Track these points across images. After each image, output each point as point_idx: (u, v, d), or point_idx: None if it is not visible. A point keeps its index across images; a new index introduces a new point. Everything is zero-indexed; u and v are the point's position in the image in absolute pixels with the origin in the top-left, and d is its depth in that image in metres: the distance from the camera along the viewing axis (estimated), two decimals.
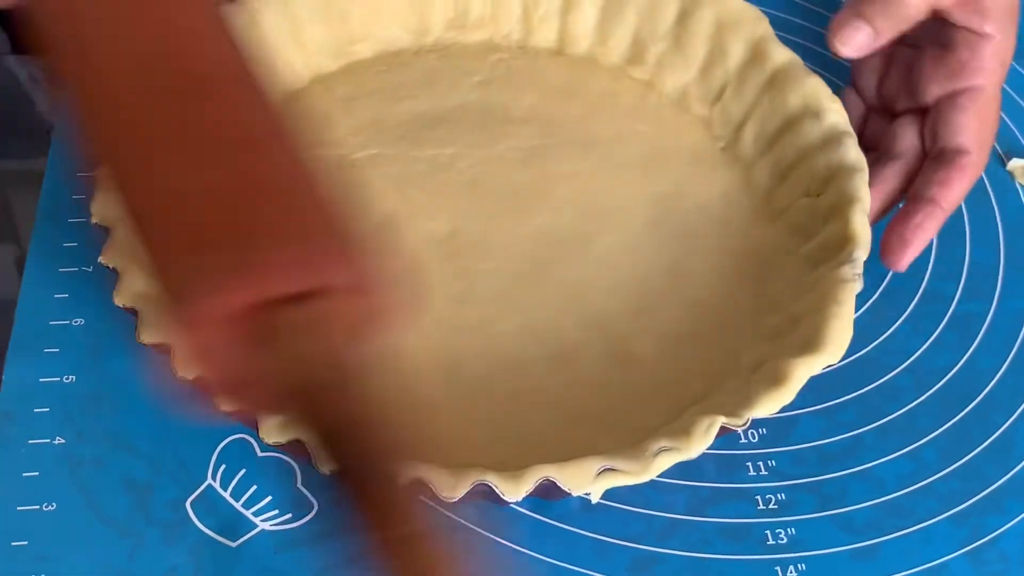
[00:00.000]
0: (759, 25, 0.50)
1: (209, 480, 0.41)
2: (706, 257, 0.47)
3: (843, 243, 0.43)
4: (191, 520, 0.40)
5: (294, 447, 0.37)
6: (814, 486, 0.42)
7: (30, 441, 0.41)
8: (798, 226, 0.47)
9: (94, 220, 0.42)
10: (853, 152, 0.46)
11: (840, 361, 0.45)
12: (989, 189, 0.52)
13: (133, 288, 0.40)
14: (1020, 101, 0.56)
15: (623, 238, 0.47)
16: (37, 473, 0.41)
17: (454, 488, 0.36)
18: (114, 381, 0.43)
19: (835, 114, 0.47)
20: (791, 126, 0.48)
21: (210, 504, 0.40)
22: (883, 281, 0.48)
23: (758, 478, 0.42)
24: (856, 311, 0.47)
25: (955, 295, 0.48)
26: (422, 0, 0.53)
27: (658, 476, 0.41)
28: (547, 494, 0.37)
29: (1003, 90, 0.55)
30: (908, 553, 0.41)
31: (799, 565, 0.40)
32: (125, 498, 0.40)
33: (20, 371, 0.43)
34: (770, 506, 0.42)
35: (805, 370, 0.39)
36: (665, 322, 0.45)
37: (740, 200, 0.49)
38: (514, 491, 0.36)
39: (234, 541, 0.40)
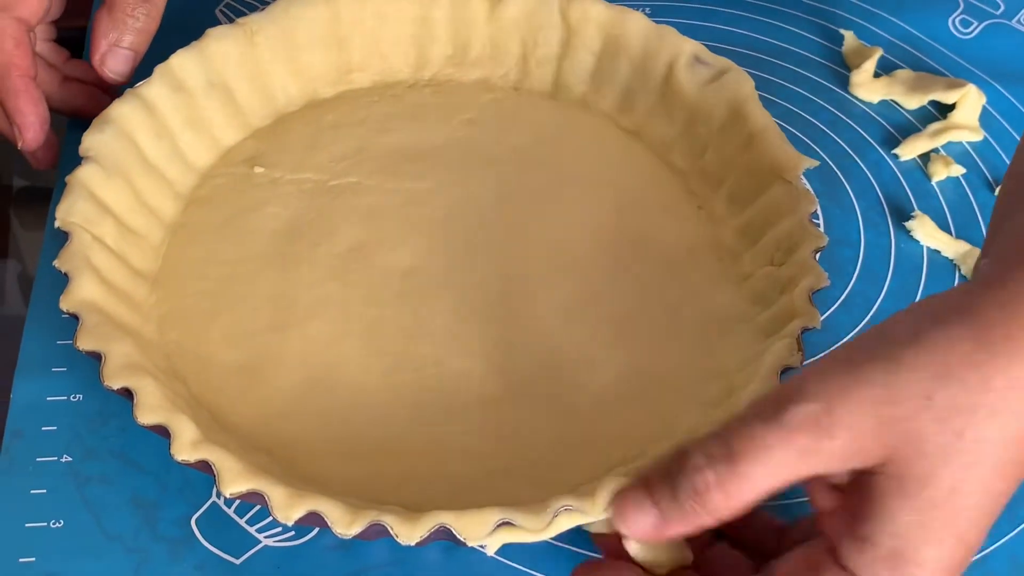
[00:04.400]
0: (744, 85, 0.50)
1: (214, 498, 0.42)
2: (664, 315, 0.46)
3: (790, 317, 0.43)
4: (196, 537, 0.41)
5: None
6: (804, 506, 0.43)
7: (38, 459, 0.42)
8: (759, 294, 0.46)
9: (56, 224, 0.43)
10: (817, 223, 0.45)
11: None
12: (978, 212, 0.53)
13: (79, 295, 0.41)
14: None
15: (584, 288, 0.47)
16: (45, 490, 0.41)
17: (350, 525, 0.36)
18: (121, 400, 0.43)
19: (805, 183, 0.47)
20: (762, 191, 0.48)
21: (215, 521, 0.41)
22: (874, 305, 0.49)
23: None
24: (847, 335, 0.48)
25: None
26: (423, 35, 0.54)
27: None
28: (450, 539, 0.37)
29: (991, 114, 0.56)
30: None
31: None
32: (131, 515, 0.41)
33: (28, 390, 0.44)
34: None
35: None
36: (610, 379, 0.44)
37: (707, 260, 0.48)
38: (409, 535, 0.36)
39: (238, 558, 0.40)
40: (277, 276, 0.47)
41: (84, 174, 0.45)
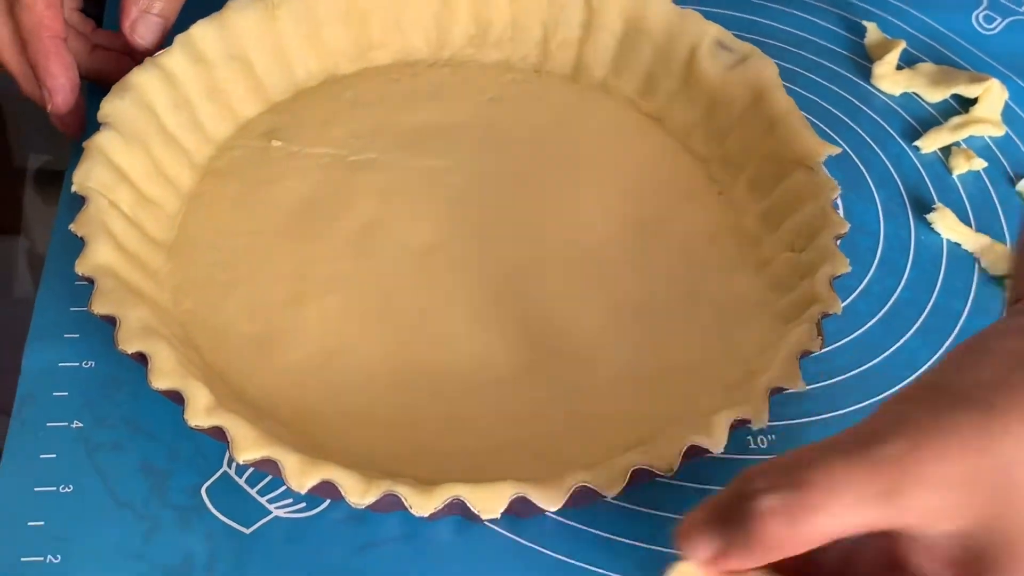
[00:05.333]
0: (766, 70, 0.49)
1: (225, 467, 0.41)
2: (682, 299, 0.46)
3: (810, 302, 0.42)
4: (206, 506, 0.40)
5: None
6: None
7: (48, 424, 0.42)
8: (779, 280, 0.46)
9: (74, 189, 0.43)
10: (837, 211, 0.45)
11: (849, 371, 0.46)
12: (998, 206, 0.53)
13: (95, 259, 0.41)
14: None
15: (602, 270, 0.47)
16: (55, 455, 0.41)
17: (364, 495, 0.36)
18: (132, 367, 0.43)
19: (826, 173, 0.46)
20: (784, 176, 0.47)
21: (226, 491, 0.41)
22: (893, 295, 0.49)
23: None
24: (866, 323, 0.48)
25: (963, 311, 0.49)
26: (444, 14, 0.54)
27: (669, 478, 0.42)
28: (464, 514, 0.37)
29: (1013, 110, 0.56)
30: None
31: None
32: (141, 482, 0.41)
33: (40, 355, 0.44)
34: None
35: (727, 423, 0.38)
36: (626, 362, 0.44)
37: (727, 246, 0.48)
38: (423, 506, 0.36)
39: (248, 528, 0.40)
40: (294, 249, 0.47)
41: (102, 140, 0.45)
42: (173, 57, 0.48)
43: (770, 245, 0.47)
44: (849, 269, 0.43)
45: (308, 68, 0.53)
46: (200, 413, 0.37)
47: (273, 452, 0.36)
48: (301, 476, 0.36)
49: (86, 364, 0.44)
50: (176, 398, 0.38)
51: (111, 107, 0.46)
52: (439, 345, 0.44)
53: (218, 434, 0.37)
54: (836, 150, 0.47)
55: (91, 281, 0.40)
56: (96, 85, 0.53)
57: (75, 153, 0.50)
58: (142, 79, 0.47)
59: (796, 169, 0.47)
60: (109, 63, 0.52)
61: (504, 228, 0.48)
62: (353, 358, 0.43)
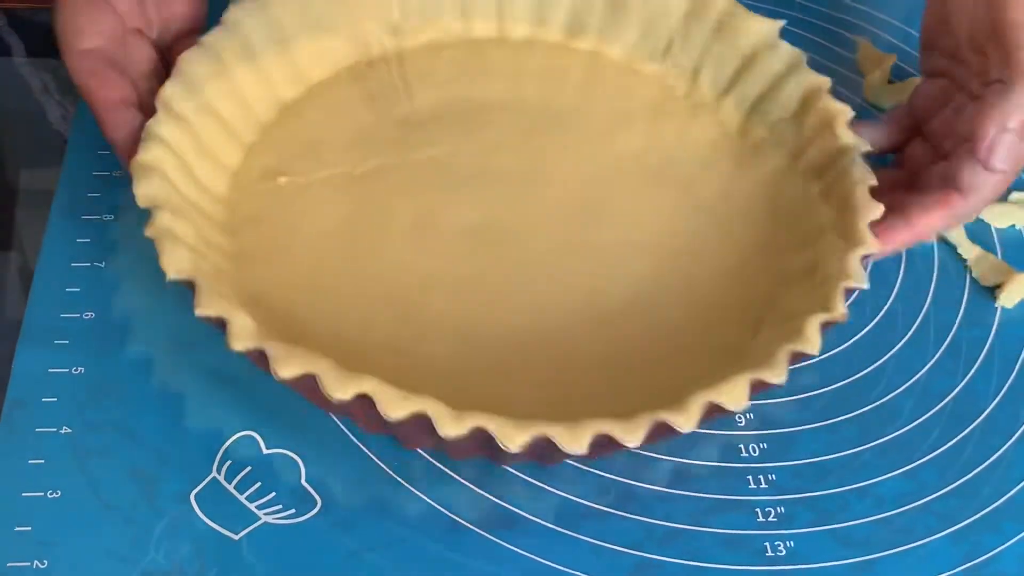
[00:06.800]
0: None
1: (214, 473, 0.41)
2: (714, 204, 0.49)
3: (840, 153, 0.47)
4: (195, 512, 0.40)
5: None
6: (813, 501, 0.43)
7: (37, 429, 0.42)
8: (783, 142, 0.50)
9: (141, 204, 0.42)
10: (814, 73, 0.50)
11: (840, 381, 0.46)
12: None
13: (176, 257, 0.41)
14: None
15: (633, 198, 0.50)
16: (43, 461, 0.41)
17: (456, 425, 0.36)
18: (122, 374, 0.43)
19: (787, 44, 0.51)
20: (749, 64, 0.51)
21: (214, 497, 0.41)
22: (885, 304, 0.49)
23: (758, 491, 0.43)
24: (858, 333, 0.48)
25: (955, 321, 0.49)
26: (357, 6, 0.53)
27: (659, 486, 0.42)
28: (544, 453, 0.38)
29: None
30: (905, 570, 0.41)
31: None
32: (130, 488, 0.40)
33: (30, 361, 0.44)
34: (769, 519, 0.42)
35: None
36: (692, 281, 0.47)
37: (723, 144, 0.51)
38: (512, 438, 0.36)
39: (237, 533, 0.40)
40: (355, 257, 0.47)
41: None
42: (161, 124, 0.45)
43: (755, 123, 0.51)
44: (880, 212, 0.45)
45: (263, 103, 0.51)
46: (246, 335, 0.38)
47: (363, 385, 0.37)
48: (395, 406, 0.37)
49: (76, 370, 0.44)
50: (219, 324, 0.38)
51: (140, 190, 0.43)
52: (530, 307, 0.46)
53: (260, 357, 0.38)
54: (781, 22, 0.50)
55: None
56: None
57: (68, 160, 0.51)
58: (150, 156, 0.44)
59: (759, 52, 0.51)
60: None
61: (532, 187, 0.50)
62: (458, 328, 0.45)
